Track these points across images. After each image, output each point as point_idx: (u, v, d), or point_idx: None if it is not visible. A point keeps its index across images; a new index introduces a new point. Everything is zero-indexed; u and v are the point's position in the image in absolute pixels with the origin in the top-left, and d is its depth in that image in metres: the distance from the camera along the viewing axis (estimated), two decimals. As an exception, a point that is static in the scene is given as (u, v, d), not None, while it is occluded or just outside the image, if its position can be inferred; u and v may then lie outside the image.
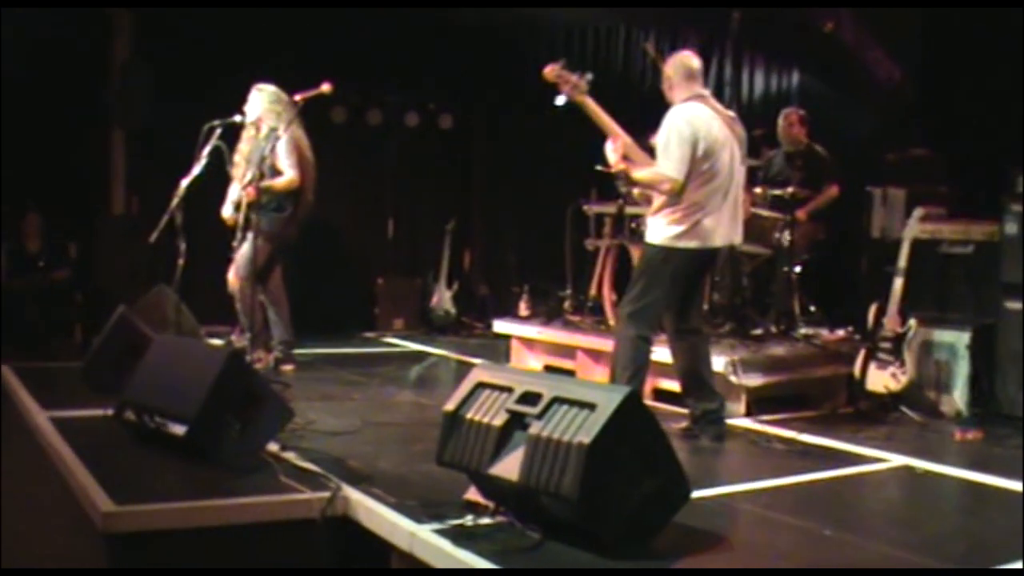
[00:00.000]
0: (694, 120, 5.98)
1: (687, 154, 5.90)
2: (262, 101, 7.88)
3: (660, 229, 6.06)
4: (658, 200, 6.09)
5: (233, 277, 7.86)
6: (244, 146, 7.92)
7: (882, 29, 10.90)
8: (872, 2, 10.41)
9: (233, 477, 4.87)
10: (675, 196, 5.96)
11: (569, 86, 5.98)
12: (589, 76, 6.00)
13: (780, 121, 9.03)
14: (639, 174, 6.10)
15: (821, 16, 10.39)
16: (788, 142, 8.99)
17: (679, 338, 6.33)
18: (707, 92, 6.29)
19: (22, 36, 9.76)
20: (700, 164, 5.95)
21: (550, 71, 5.97)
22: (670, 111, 6.12)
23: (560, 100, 6.01)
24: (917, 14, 10.34)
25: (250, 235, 7.65)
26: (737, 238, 6.32)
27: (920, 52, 10.65)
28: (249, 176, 7.64)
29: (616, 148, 6.07)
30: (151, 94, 9.98)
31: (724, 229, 6.11)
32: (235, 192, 7.86)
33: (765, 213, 8.08)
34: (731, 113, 6.32)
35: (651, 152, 6.27)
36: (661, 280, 6.07)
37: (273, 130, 7.78)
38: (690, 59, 6.29)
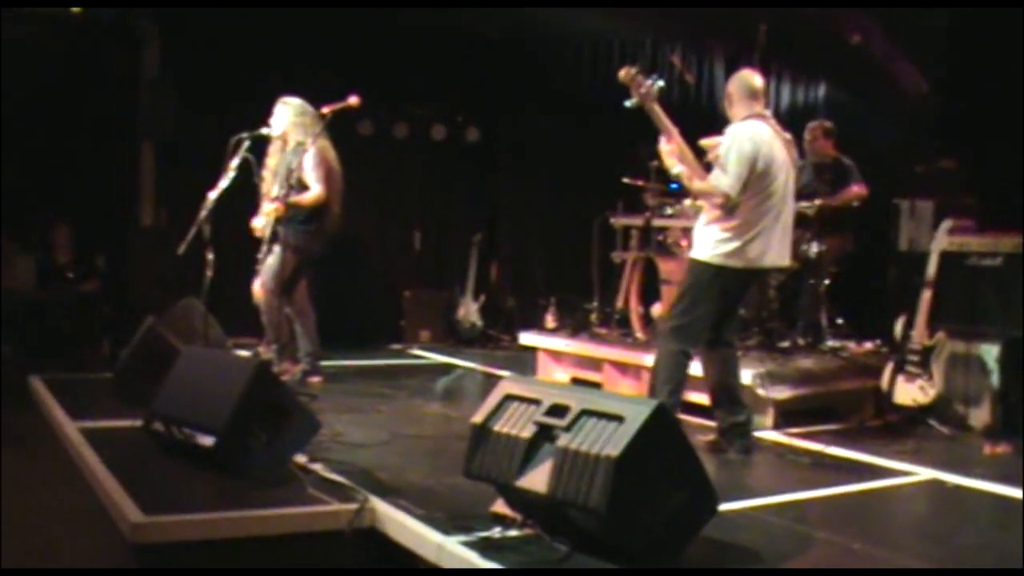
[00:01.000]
0: (756, 138, 5.98)
1: (744, 172, 5.89)
2: (288, 115, 7.90)
3: (710, 245, 6.05)
4: (710, 213, 6.09)
5: (259, 289, 7.88)
6: (271, 160, 7.95)
7: (909, 40, 10.87)
8: (899, 2, 10.37)
9: (261, 488, 4.89)
10: (727, 211, 5.96)
11: (641, 91, 5.99)
12: (661, 83, 6.02)
13: (806, 135, 8.98)
14: (695, 183, 6.10)
15: (848, 28, 10.37)
16: (815, 155, 8.95)
17: (712, 351, 6.31)
18: (768, 112, 6.30)
19: (52, 51, 9.84)
20: (758, 183, 5.95)
21: (625, 74, 5.97)
22: (732, 126, 6.12)
23: (630, 103, 6.02)
24: (943, 25, 10.31)
25: (277, 247, 7.68)
26: (785, 261, 6.31)
27: (947, 63, 10.61)
28: (276, 190, 7.67)
29: (672, 150, 6.08)
30: (179, 107, 10.04)
31: (774, 250, 6.10)
32: (267, 207, 7.88)
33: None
34: (788, 136, 6.31)
35: (698, 153, 6.30)
36: (708, 297, 6.07)
37: (300, 144, 7.80)
38: (752, 77, 6.29)
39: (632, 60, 6.20)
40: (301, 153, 7.70)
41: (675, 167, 6.09)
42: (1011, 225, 7.67)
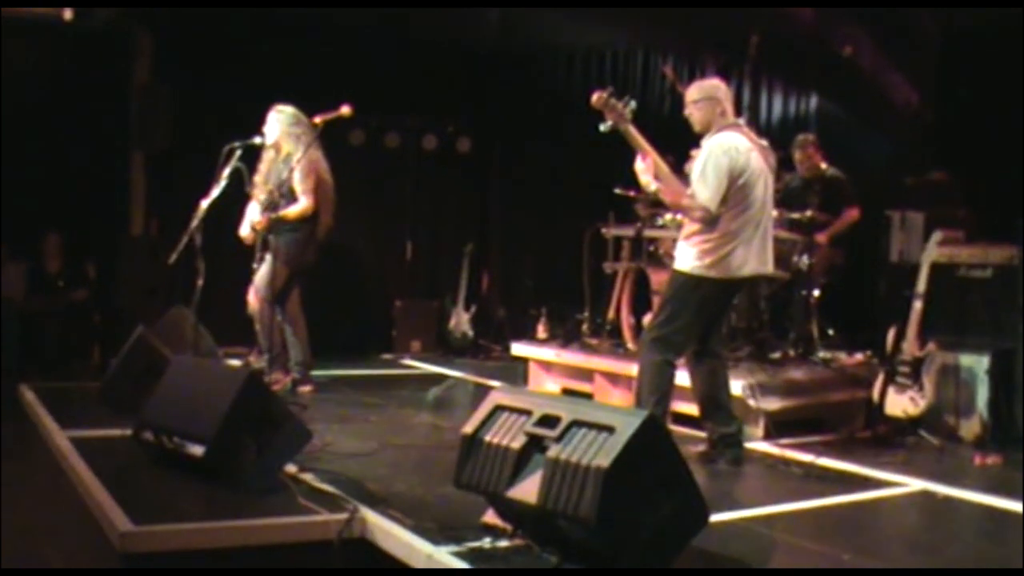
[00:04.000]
0: (733, 151, 5.97)
1: (724, 184, 5.90)
2: (280, 124, 7.89)
3: (691, 257, 6.05)
4: (690, 227, 6.09)
5: (253, 298, 7.87)
6: (263, 167, 7.93)
7: (900, 53, 10.90)
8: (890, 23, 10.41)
9: (251, 498, 4.88)
10: (707, 224, 5.96)
11: (614, 114, 5.97)
12: (633, 104, 5.99)
13: (796, 151, 9.00)
14: (674, 199, 6.09)
15: (839, 40, 10.40)
16: (805, 169, 8.97)
17: (699, 362, 6.32)
18: (742, 120, 6.30)
19: (44, 59, 9.83)
20: (737, 195, 5.95)
21: (597, 99, 5.94)
22: (710, 138, 6.10)
23: (604, 127, 5.99)
24: (935, 37, 10.35)
25: (269, 256, 7.68)
26: (767, 268, 6.30)
27: (938, 75, 10.65)
28: (264, 198, 7.66)
29: (647, 167, 6.06)
30: (171, 116, 10.04)
31: (755, 259, 6.10)
32: (253, 212, 7.88)
33: (784, 236, 8.05)
34: (764, 143, 6.31)
35: (683, 177, 6.27)
36: (689, 307, 6.07)
37: (290, 154, 7.80)
38: (724, 86, 6.31)
39: (603, 84, 6.16)
40: (292, 163, 7.70)
41: (651, 185, 6.08)
42: (1001, 237, 7.69)
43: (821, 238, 8.52)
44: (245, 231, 7.96)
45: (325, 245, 8.22)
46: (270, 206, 7.62)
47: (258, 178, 7.84)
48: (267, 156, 7.92)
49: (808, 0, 9.85)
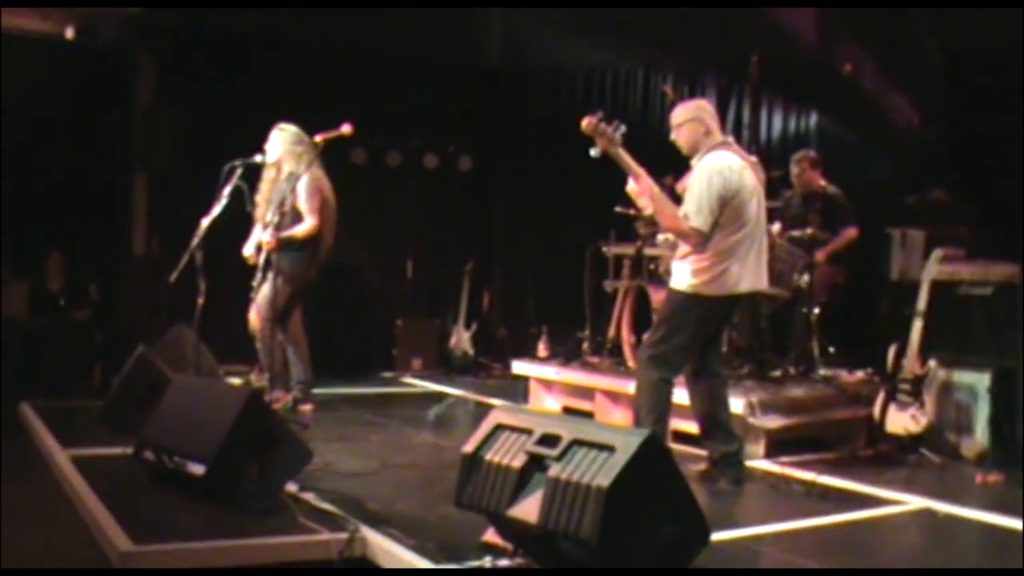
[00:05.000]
0: (726, 171, 5.96)
1: (716, 207, 5.90)
2: (283, 142, 7.92)
3: (687, 275, 6.05)
4: (685, 246, 6.09)
5: (255, 317, 7.87)
6: (264, 186, 7.95)
7: (901, 72, 10.92)
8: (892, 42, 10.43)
9: (251, 517, 4.88)
10: (701, 244, 5.96)
11: (605, 139, 5.96)
12: (623, 128, 5.97)
13: (793, 168, 8.99)
14: (668, 222, 6.09)
15: (840, 59, 10.42)
16: (803, 186, 8.96)
17: (697, 381, 6.32)
18: (731, 138, 6.31)
19: (47, 78, 9.85)
20: (731, 214, 5.94)
21: (587, 124, 5.92)
22: (701, 159, 6.11)
23: (595, 152, 5.96)
24: (936, 56, 10.36)
25: (271, 275, 7.68)
26: (762, 284, 6.31)
27: (938, 94, 10.66)
28: (270, 218, 7.66)
29: (641, 189, 6.05)
30: (174, 135, 10.05)
31: (750, 276, 6.10)
32: (258, 233, 7.88)
33: (784, 254, 8.05)
34: (753, 159, 6.32)
35: (675, 198, 6.28)
36: (686, 325, 6.07)
37: (293, 173, 7.80)
38: (707, 105, 6.33)
39: (604, 103, 6.17)
40: (295, 182, 7.71)
41: (648, 208, 6.07)
42: (1002, 254, 7.69)
43: (819, 255, 8.53)
44: (249, 251, 7.96)
45: (326, 264, 8.22)
46: (276, 226, 7.62)
47: (259, 197, 7.86)
48: (268, 175, 7.94)
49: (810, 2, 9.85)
